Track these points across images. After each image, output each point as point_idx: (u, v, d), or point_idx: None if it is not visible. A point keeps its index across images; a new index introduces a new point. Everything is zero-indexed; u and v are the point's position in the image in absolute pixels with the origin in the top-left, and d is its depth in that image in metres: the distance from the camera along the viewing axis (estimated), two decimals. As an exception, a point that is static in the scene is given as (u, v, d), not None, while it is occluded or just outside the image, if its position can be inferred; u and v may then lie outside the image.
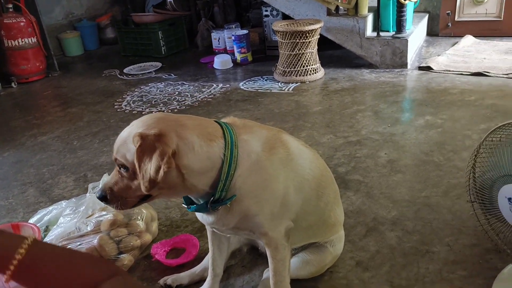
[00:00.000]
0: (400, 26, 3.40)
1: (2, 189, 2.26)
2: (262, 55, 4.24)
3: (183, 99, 3.34)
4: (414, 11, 3.87)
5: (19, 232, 1.39)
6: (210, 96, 3.34)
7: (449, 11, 4.07)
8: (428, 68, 3.36)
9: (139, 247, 1.61)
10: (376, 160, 2.19)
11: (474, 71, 3.19)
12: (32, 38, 4.11)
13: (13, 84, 4.07)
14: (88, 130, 2.90)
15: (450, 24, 4.10)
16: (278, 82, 3.48)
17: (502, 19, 3.90)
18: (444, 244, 1.57)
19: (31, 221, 1.71)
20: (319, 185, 1.28)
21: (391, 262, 1.52)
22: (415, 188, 1.93)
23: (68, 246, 1.51)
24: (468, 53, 3.58)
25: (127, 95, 3.56)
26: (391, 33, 3.53)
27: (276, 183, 1.14)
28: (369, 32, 3.57)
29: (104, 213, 1.62)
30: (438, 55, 3.61)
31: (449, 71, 3.28)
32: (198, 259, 1.57)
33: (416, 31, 3.65)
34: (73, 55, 5.09)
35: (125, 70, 4.24)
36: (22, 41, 4.03)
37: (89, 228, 1.58)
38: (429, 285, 1.41)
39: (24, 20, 4.03)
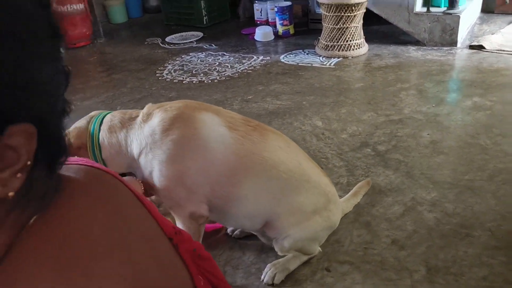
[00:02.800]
0: (452, 1, 3.23)
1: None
2: (304, 28, 4.15)
3: (223, 69, 3.35)
4: (469, -14, 3.66)
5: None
6: (250, 68, 3.33)
7: (507, -13, 3.82)
8: (480, 47, 3.20)
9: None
10: (418, 140, 2.13)
11: (530, 52, 3.00)
12: (80, 4, 4.20)
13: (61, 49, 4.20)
14: (131, 96, 2.97)
15: (508, 0, 3.85)
16: (320, 56, 3.41)
17: None
18: (485, 229, 1.53)
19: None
20: (233, 172, 1.21)
21: (428, 243, 1.49)
22: (458, 170, 1.87)
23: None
24: (525, 33, 3.37)
25: (169, 63, 3.60)
26: (443, 8, 3.36)
27: (164, 163, 1.19)
28: (419, 7, 3.41)
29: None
30: (492, 34, 3.42)
31: (503, 51, 3.10)
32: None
33: (469, 7, 3.45)
34: (117, 23, 5.17)
35: (167, 39, 4.28)
36: (70, 7, 4.13)
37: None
38: (466, 268, 1.38)
39: (73, -14, 4.11)
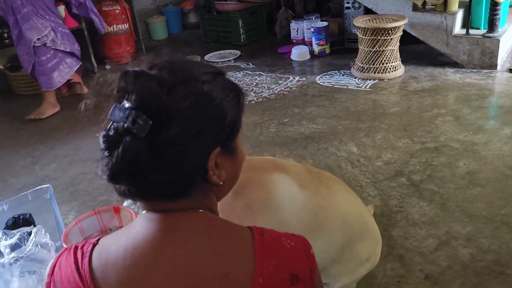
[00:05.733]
0: (492, 24, 3.20)
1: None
2: (340, 47, 4.20)
3: (260, 90, 3.45)
4: (510, 6, 3.60)
5: (119, 214, 1.59)
6: (286, 89, 3.41)
7: (551, 7, 3.73)
8: (521, 71, 3.15)
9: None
10: (454, 170, 2.14)
11: None
12: (125, 24, 4.42)
13: (107, 66, 4.44)
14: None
15: (551, 21, 3.76)
16: (356, 78, 3.45)
17: None
18: (520, 268, 1.54)
19: (125, 204, 1.93)
20: (308, 230, 1.17)
21: (462, 280, 1.52)
22: (494, 204, 1.88)
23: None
24: None
25: (208, 83, 3.73)
26: (482, 31, 3.33)
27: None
28: (458, 29, 3.39)
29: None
30: (534, 57, 3.36)
31: (545, 75, 3.05)
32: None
33: (509, 30, 3.41)
34: (158, 39, 5.39)
35: (206, 57, 4.43)
36: (116, 27, 4.35)
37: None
38: (500, 308, 1.41)
39: (119, 8, 4.34)
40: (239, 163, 0.79)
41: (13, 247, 1.30)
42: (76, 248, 0.71)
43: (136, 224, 0.70)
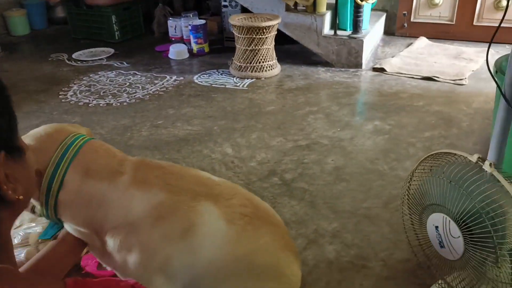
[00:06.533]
0: (356, 26, 3.41)
1: None
2: (220, 45, 4.14)
3: (134, 91, 3.22)
4: (372, 10, 3.90)
5: None
6: (162, 89, 3.23)
7: (405, 12, 4.12)
8: (382, 70, 3.41)
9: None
10: (323, 166, 2.20)
11: (424, 75, 3.26)
12: (-29, 16, 3.81)
13: (-51, 65, 3.78)
14: (28, 123, 2.73)
15: (406, 24, 4.16)
16: (234, 77, 3.42)
17: (454, 22, 4.00)
18: (379, 259, 1.61)
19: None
20: (218, 271, 1.12)
21: (327, 278, 1.53)
22: (357, 198, 1.96)
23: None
24: (420, 56, 3.66)
25: (74, 83, 3.39)
26: (348, 32, 3.54)
27: (146, 252, 1.04)
28: (327, 30, 3.55)
29: (33, 224, 1.53)
30: (392, 56, 3.66)
31: (401, 73, 3.34)
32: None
33: (372, 31, 3.67)
34: (19, 35, 4.78)
35: (74, 55, 4.03)
36: (-41, 19, 3.73)
37: (16, 241, 1.49)
38: (361, 302, 1.44)
39: (-38, -4, 3.72)
40: (30, 163, 0.64)
41: None
42: None
43: None
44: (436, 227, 1.18)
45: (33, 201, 1.04)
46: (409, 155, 2.27)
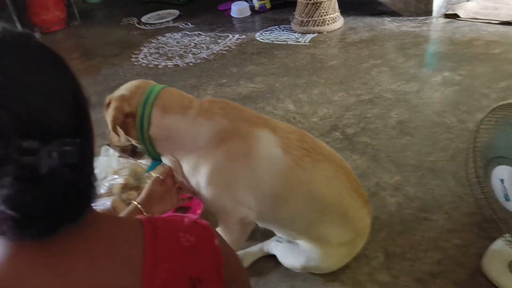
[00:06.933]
0: (426, -31, 3.18)
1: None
2: (281, 1, 4.08)
3: (199, 51, 3.32)
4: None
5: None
6: (225, 48, 3.30)
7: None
8: (455, 16, 3.18)
9: (149, 209, 1.71)
10: (386, 121, 2.17)
11: (503, 20, 2.99)
12: (51, -14, 4.09)
13: (36, 35, 4.12)
14: (105, 85, 2.96)
15: (485, -37, 3.78)
16: (295, 32, 3.38)
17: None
18: (443, 212, 1.60)
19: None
20: (277, 196, 1.21)
21: (388, 229, 1.57)
22: (422, 151, 1.92)
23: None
24: (501, -2, 3.34)
25: (144, 46, 3.56)
26: (417, -23, 3.30)
27: (213, 172, 1.17)
28: (394, -24, 3.35)
29: (116, 176, 1.71)
30: (467, 1, 3.38)
31: (477, 19, 3.09)
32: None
33: (445, -26, 3.40)
34: (92, 2, 5.05)
35: (143, 19, 4.21)
36: (40, -10, 4.02)
37: (102, 191, 1.69)
38: (422, 253, 1.46)
39: (41, -32, 3.99)
40: None
41: None
42: None
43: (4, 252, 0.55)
44: (502, 180, 1.16)
45: (133, 142, 1.24)
46: (481, 106, 2.15)
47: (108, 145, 1.35)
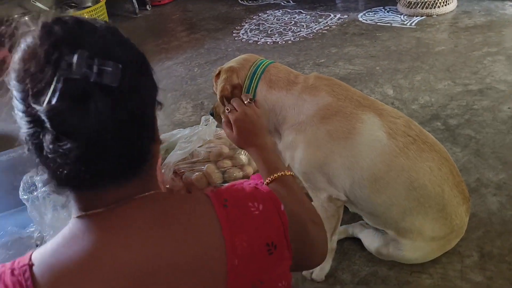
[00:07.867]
0: None
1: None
2: (388, -20, 3.89)
3: (298, 29, 3.32)
4: None
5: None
6: (325, 28, 3.26)
7: None
8: None
9: (241, 179, 1.80)
10: (496, 114, 2.00)
11: None
12: (164, -38, 4.34)
13: (147, 7, 4.44)
14: (207, 58, 3.11)
15: None
16: (401, 14, 3.22)
17: None
18: (553, 219, 1.46)
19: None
20: (376, 180, 1.17)
21: (486, 228, 1.47)
22: (535, 151, 1.75)
23: (182, 170, 1.76)
24: None
25: (246, 22, 3.65)
26: (552, -44, 2.93)
27: (311, 148, 1.18)
28: (523, -45, 3.00)
29: (212, 145, 1.81)
30: None
31: None
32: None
33: None
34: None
35: (245, -5, 4.29)
36: (154, -35, 4.28)
37: (200, 157, 1.81)
38: (523, 258, 1.35)
39: None
40: None
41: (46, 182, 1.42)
42: (5, 276, 0.56)
43: (77, 231, 0.58)
44: None
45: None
46: None
47: (212, 114, 1.42)
